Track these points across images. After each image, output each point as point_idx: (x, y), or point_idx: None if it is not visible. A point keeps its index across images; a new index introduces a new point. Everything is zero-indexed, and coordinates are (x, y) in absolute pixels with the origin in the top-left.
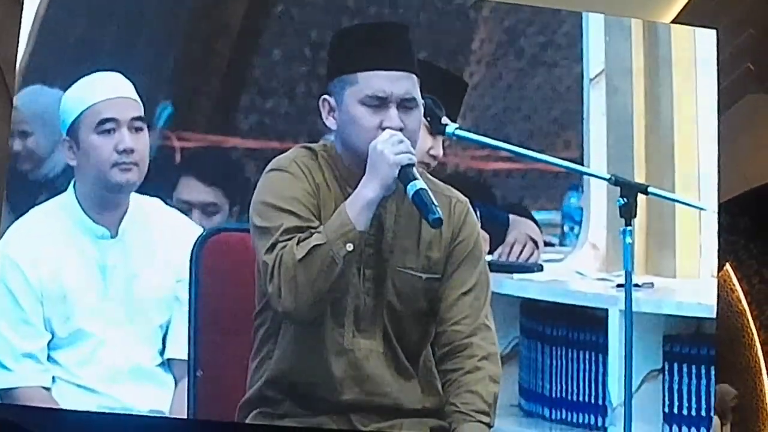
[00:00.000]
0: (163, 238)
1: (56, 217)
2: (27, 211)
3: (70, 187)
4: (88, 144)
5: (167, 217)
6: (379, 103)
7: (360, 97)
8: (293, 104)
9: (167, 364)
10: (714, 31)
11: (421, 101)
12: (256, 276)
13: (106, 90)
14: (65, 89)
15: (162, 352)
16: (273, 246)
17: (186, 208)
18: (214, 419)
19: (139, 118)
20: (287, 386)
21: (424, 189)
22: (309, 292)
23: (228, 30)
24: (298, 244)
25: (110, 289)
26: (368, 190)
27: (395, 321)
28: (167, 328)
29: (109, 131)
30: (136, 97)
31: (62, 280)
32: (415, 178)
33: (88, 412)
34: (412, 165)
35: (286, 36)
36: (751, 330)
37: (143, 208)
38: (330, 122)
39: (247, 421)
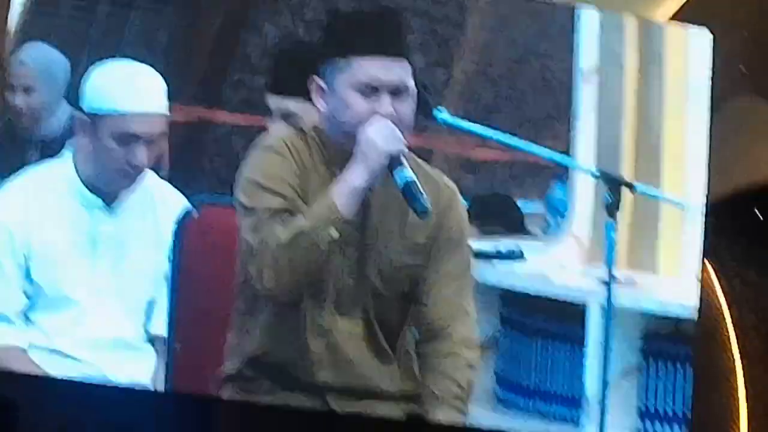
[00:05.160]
0: (156, 213)
1: (51, 182)
2: (17, 170)
3: (68, 154)
4: (105, 144)
5: (162, 192)
6: (372, 90)
7: (352, 82)
8: None
9: (151, 339)
10: (708, 32)
11: (414, 89)
12: (239, 253)
13: (145, 101)
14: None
15: (146, 327)
16: (257, 226)
17: None
18: (190, 392)
19: (162, 134)
20: (264, 365)
21: (413, 180)
22: (291, 276)
23: (221, 5)
24: (282, 227)
25: (99, 259)
26: (356, 177)
27: (377, 303)
28: (153, 303)
29: (129, 143)
30: (167, 105)
31: (51, 246)
32: (404, 168)
33: (65, 379)
34: (402, 154)
35: (280, 14)
36: (728, 331)
37: (141, 181)
38: (320, 104)
39: (223, 397)
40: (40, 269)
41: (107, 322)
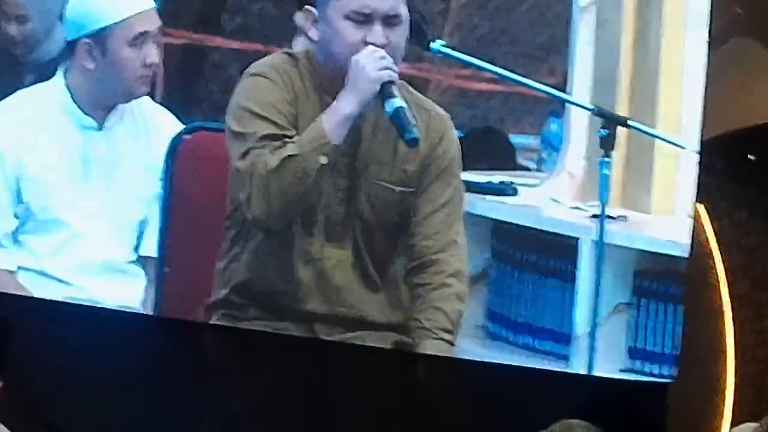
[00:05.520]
0: (148, 134)
1: (43, 103)
2: (13, 93)
3: (59, 74)
4: (119, 56)
5: (155, 114)
6: (364, 18)
7: (345, 11)
8: (280, 9)
9: (140, 261)
10: None
11: (406, 16)
12: (229, 180)
13: (137, 1)
14: None
15: (137, 249)
16: (247, 153)
17: None
18: (179, 317)
19: (160, 28)
20: (252, 292)
21: (402, 108)
22: (280, 202)
23: None
24: (272, 153)
25: (91, 181)
26: (346, 104)
27: (366, 232)
28: (144, 226)
29: (139, 45)
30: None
31: (42, 167)
32: (394, 96)
33: (54, 300)
34: (393, 82)
35: None
36: (716, 271)
37: (132, 103)
38: (312, 33)
39: (211, 322)
40: (31, 191)
41: (97, 245)
